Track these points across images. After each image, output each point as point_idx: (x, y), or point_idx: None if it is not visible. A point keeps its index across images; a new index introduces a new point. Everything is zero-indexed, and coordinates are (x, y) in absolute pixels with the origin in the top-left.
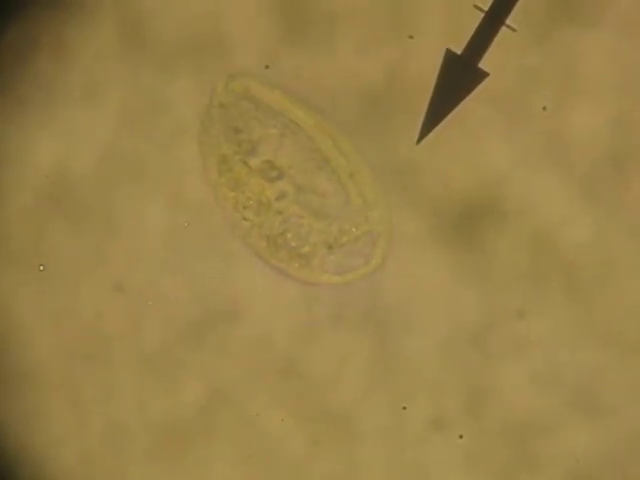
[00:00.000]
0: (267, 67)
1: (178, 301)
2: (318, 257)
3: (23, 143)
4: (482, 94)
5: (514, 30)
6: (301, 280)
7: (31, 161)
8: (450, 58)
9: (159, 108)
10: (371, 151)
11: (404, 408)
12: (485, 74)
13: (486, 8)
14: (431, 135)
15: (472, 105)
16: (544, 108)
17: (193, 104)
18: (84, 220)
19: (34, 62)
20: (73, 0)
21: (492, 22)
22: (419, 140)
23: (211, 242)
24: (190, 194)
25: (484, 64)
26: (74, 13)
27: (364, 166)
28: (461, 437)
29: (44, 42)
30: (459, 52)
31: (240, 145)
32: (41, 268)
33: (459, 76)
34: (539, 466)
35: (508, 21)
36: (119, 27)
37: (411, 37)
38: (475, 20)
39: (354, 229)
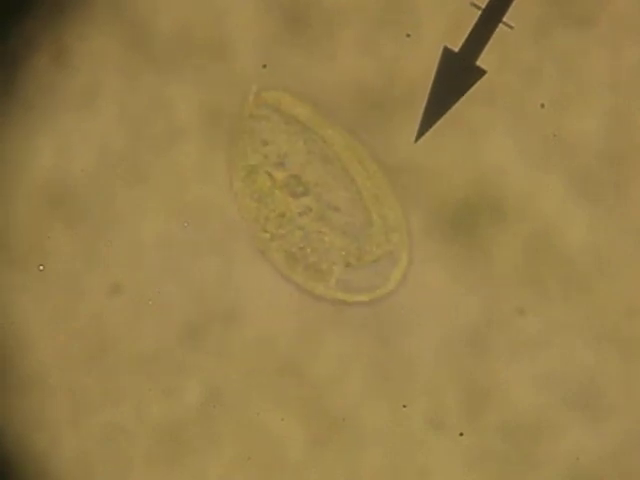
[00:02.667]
0: (264, 66)
1: (178, 302)
2: (336, 274)
3: (22, 145)
4: (480, 92)
5: (511, 27)
6: (315, 296)
7: (31, 162)
8: (447, 56)
9: (159, 110)
10: (369, 150)
11: (404, 406)
12: (482, 72)
13: (483, 5)
14: (429, 133)
15: (470, 103)
16: (542, 105)
17: (193, 105)
18: (84, 221)
19: (34, 64)
20: (73, 2)
21: (489, 19)
22: (417, 138)
23: (211, 243)
24: (190, 195)
25: (481, 62)
26: (74, 15)
27: (388, 189)
28: (461, 435)
29: (44, 44)
30: (456, 50)
31: (267, 157)
32: (41, 268)
33: (456, 74)
34: (539, 463)
35: (505, 18)
36: (119, 29)
37: (408, 35)
38: (472, 18)
39: (375, 249)
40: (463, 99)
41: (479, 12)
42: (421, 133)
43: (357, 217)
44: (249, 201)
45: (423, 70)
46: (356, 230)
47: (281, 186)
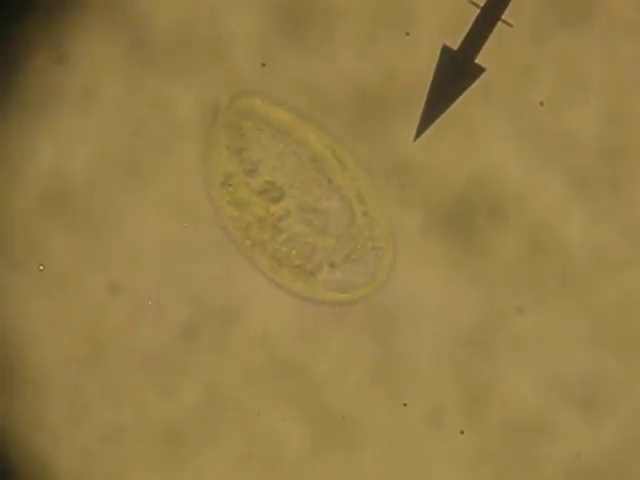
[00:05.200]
0: (263, 65)
1: (177, 302)
2: (322, 274)
3: (22, 145)
4: (479, 90)
5: (510, 25)
6: (303, 297)
7: (30, 163)
8: (446, 54)
9: (159, 110)
10: (368, 149)
11: (404, 405)
12: (482, 69)
13: (482, 3)
14: (428, 132)
15: (469, 101)
16: (541, 103)
17: (192, 105)
18: (84, 221)
19: (33, 65)
20: (72, 2)
21: (488, 17)
22: (416, 137)
23: (210, 244)
24: (189, 196)
25: (481, 60)
26: (73, 16)
27: (367, 183)
28: (462, 433)
29: (43, 45)
30: (455, 48)
31: (242, 164)
32: (41, 268)
33: (456, 72)
34: (539, 461)
35: (504, 16)
36: (118, 29)
37: (407, 34)
38: (471, 16)
39: (359, 246)
40: (462, 97)
41: (478, 10)
42: (420, 132)
43: (339, 217)
44: (229, 209)
45: (422, 68)
46: (339, 229)
47: (258, 192)
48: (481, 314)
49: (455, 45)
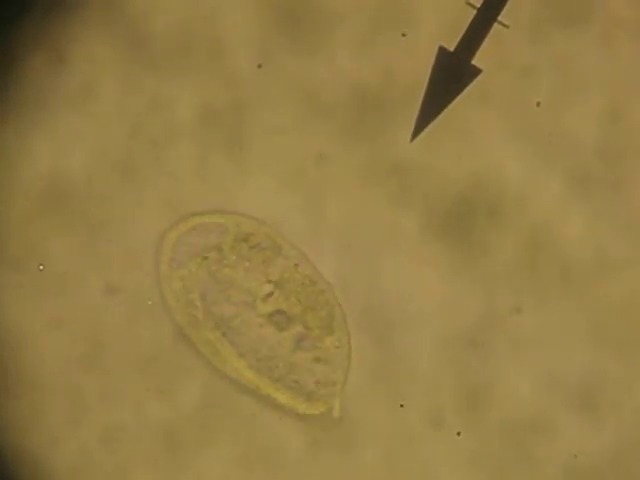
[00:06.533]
0: (260, 66)
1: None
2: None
3: (20, 145)
4: (475, 91)
5: (507, 26)
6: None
7: (29, 163)
8: (443, 55)
9: (156, 110)
10: (364, 150)
11: (401, 406)
12: (478, 71)
13: (478, 5)
14: (425, 133)
15: (465, 102)
16: (538, 104)
17: (190, 105)
18: (83, 221)
19: (31, 65)
20: (70, 3)
21: (484, 19)
22: (413, 138)
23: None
24: (186, 196)
25: (477, 61)
26: (71, 16)
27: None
28: (459, 434)
29: (41, 45)
30: (452, 49)
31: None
32: (41, 268)
33: (452, 73)
34: (537, 461)
35: (500, 17)
36: (115, 29)
37: (404, 35)
38: (467, 17)
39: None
40: (459, 98)
41: (474, 11)
42: (416, 132)
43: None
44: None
45: (419, 69)
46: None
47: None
48: (481, 314)
49: (452, 46)
